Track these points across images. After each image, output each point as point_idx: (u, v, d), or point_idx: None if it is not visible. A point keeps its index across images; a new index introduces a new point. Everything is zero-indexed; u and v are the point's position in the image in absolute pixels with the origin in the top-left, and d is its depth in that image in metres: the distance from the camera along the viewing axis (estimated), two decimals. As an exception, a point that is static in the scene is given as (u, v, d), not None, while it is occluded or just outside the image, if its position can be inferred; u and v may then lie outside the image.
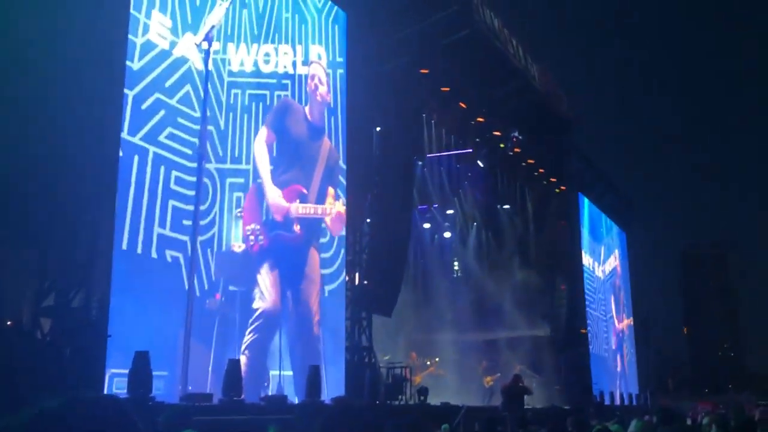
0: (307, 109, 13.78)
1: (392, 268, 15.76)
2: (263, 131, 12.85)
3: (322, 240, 13.71)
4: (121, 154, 10.20)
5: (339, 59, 14.81)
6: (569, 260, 25.55)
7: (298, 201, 13.03)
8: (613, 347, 30.35)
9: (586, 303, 26.67)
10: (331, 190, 13.85)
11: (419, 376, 19.82)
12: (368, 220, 15.87)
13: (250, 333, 11.85)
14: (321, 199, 13.51)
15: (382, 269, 15.54)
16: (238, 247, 12.16)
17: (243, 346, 11.57)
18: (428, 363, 20.39)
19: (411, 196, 17.41)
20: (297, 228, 12.89)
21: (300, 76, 14.00)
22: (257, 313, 12.06)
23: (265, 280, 12.31)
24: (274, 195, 12.71)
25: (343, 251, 14.20)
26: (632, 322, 32.75)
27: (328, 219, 13.55)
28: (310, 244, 13.28)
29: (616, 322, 30.40)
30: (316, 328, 13.18)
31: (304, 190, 13.23)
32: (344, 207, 14.02)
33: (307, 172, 13.46)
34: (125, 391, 9.04)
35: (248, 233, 12.19)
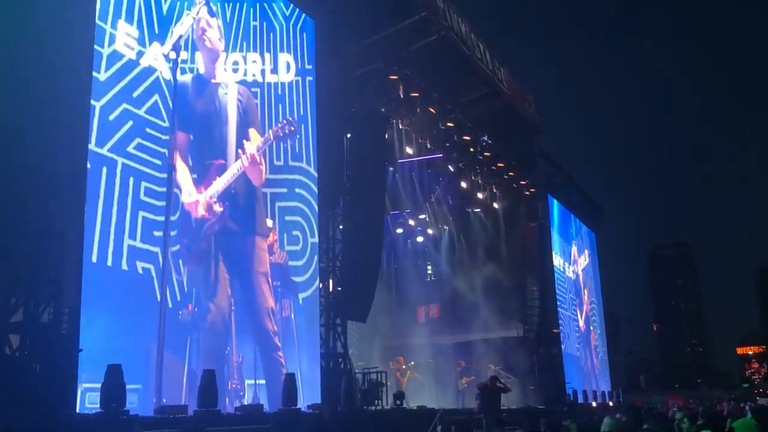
0: (201, 70, 12.80)
1: (366, 273, 15.79)
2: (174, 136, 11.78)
3: (294, 249, 13.69)
4: (89, 166, 10.08)
5: (308, 66, 14.83)
6: (540, 261, 25.86)
7: (217, 178, 12.42)
8: (584, 345, 30.74)
9: (558, 303, 27.02)
10: (253, 133, 13.09)
11: (405, 379, 19.96)
12: (341, 227, 15.87)
13: (203, 354, 11.53)
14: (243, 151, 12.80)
15: (355, 275, 15.56)
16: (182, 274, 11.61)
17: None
18: (403, 367, 20.47)
19: (383, 201, 17.46)
20: (218, 207, 12.28)
21: (269, 84, 14.00)
22: (203, 332, 11.72)
23: (211, 295, 11.98)
24: (188, 196, 11.97)
25: (316, 258, 14.19)
26: (590, 309, 32.96)
27: (249, 171, 12.74)
28: (243, 227, 12.71)
29: (580, 319, 30.80)
30: (270, 325, 12.75)
31: (222, 161, 12.57)
32: (265, 139, 13.03)
33: (221, 133, 12.78)
34: (98, 405, 8.94)
35: (182, 249, 11.70)
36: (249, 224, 13.01)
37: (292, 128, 13.25)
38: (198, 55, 12.83)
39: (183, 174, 12.00)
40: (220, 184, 12.44)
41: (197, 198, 12.15)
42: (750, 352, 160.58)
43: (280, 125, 13.29)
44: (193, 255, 11.91)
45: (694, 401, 37.54)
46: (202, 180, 12.33)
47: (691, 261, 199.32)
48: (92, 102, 10.38)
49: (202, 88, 12.81)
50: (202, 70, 12.87)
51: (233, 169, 12.64)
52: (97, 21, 10.70)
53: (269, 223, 13.41)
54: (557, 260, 28.05)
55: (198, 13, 12.07)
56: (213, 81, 13.02)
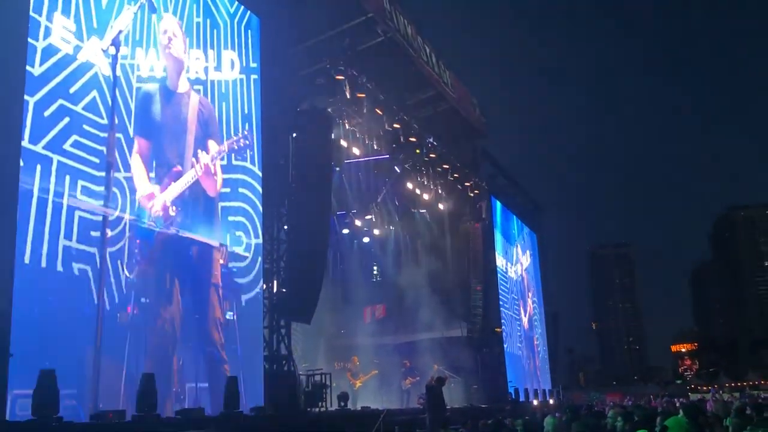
0: (166, 80, 12.69)
1: (311, 274, 15.68)
2: (135, 144, 11.73)
3: (237, 250, 13.50)
4: (22, 163, 9.69)
5: (253, 65, 14.67)
6: (484, 261, 26.25)
7: (172, 183, 12.28)
8: (526, 344, 31.38)
9: (501, 303, 27.52)
10: (212, 144, 13.13)
11: (360, 380, 19.92)
12: (285, 228, 15.74)
13: (143, 358, 11.25)
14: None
15: (300, 276, 15.44)
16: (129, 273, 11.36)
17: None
18: (357, 364, 20.44)
19: (329, 202, 17.40)
20: (172, 211, 12.19)
21: (213, 81, 13.78)
22: (145, 336, 11.43)
23: (159, 301, 11.79)
24: (144, 197, 11.78)
25: (260, 259, 14.03)
26: (533, 311, 33.67)
27: (203, 181, 12.79)
28: (192, 232, 12.55)
29: (523, 319, 31.44)
30: (217, 336, 12.68)
31: (179, 168, 12.49)
32: (222, 152, 13.17)
33: (181, 143, 12.72)
34: (29, 412, 8.61)
35: (135, 253, 11.42)
36: (204, 235, 12.90)
37: (248, 142, 13.80)
38: (154, 59, 12.50)
39: (140, 174, 11.77)
40: (174, 189, 12.35)
41: (154, 199, 11.97)
42: (683, 349, 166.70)
43: (236, 138, 13.64)
44: (144, 258, 11.62)
45: (630, 398, 38.76)
46: (159, 184, 12.17)
47: (629, 261, 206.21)
48: (26, 97, 9.96)
49: (166, 98, 12.67)
50: (166, 80, 12.72)
51: (187, 177, 12.60)
52: (31, 13, 10.26)
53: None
54: (500, 261, 28.54)
55: (144, 11, 11.83)
56: (177, 92, 12.94)
